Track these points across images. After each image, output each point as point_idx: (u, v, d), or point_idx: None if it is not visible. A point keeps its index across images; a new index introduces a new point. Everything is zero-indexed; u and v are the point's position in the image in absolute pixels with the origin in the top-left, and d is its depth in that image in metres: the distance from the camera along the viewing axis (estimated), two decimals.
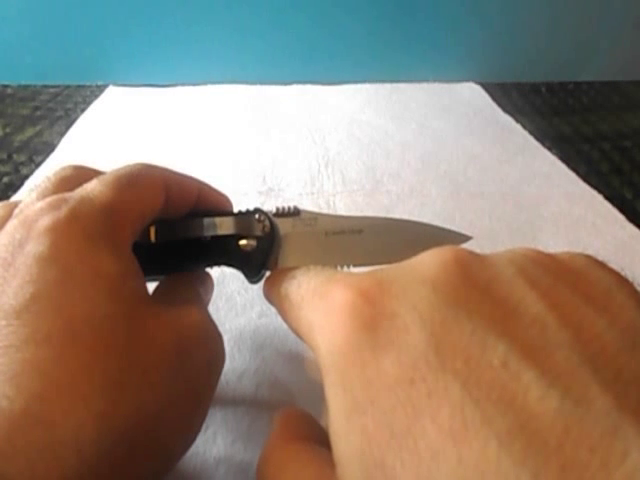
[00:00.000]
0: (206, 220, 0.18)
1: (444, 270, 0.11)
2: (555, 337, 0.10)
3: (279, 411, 0.15)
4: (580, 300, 0.10)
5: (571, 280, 0.11)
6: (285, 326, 0.25)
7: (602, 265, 0.12)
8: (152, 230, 0.18)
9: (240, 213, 0.20)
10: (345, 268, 0.18)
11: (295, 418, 0.15)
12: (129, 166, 0.17)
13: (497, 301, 0.10)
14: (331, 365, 0.11)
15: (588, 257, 0.12)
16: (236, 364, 0.23)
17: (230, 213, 0.20)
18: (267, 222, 0.19)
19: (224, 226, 0.18)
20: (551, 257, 0.12)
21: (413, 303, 0.10)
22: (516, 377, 0.09)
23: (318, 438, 0.14)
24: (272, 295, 0.17)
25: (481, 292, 0.11)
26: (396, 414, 0.09)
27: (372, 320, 0.11)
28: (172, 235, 0.18)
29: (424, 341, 0.10)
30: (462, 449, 0.08)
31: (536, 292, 0.10)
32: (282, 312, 0.16)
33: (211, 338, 0.16)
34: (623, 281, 0.11)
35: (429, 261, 0.12)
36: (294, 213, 0.19)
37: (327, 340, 0.11)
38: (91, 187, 0.15)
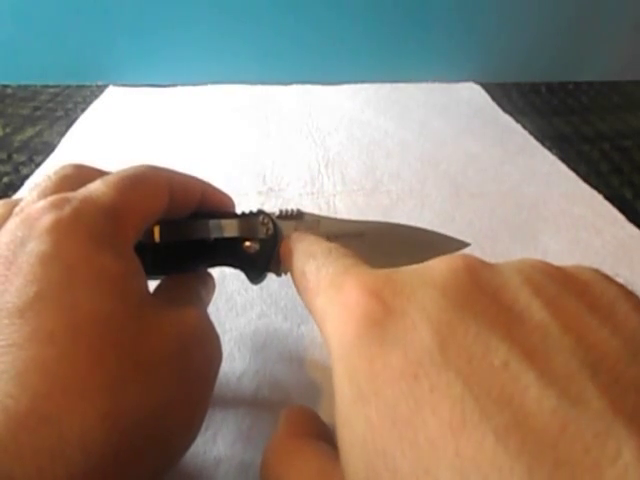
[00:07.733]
0: (211, 222, 0.19)
1: (454, 276, 0.12)
2: (557, 342, 0.10)
3: (285, 408, 0.16)
4: (584, 309, 0.11)
5: (577, 290, 0.11)
6: (285, 326, 0.25)
7: (609, 278, 0.12)
8: (156, 230, 0.18)
9: (244, 215, 0.20)
10: None
11: (300, 415, 0.15)
12: (133, 168, 0.17)
13: (503, 306, 0.11)
14: (340, 356, 0.11)
15: (596, 270, 0.12)
16: (236, 364, 0.23)
17: (233, 214, 0.20)
18: (270, 225, 0.19)
19: (228, 228, 0.19)
20: (558, 268, 0.13)
21: (422, 304, 0.11)
22: (516, 377, 0.09)
23: (322, 434, 0.14)
24: (289, 263, 0.17)
25: (488, 297, 0.11)
26: (399, 406, 0.09)
27: (382, 318, 0.11)
28: (176, 236, 0.18)
29: (430, 339, 0.10)
30: (460, 441, 0.08)
31: (541, 300, 0.11)
32: (298, 288, 0.16)
33: (209, 339, 0.17)
34: (629, 294, 0.12)
35: (441, 267, 0.12)
36: (297, 216, 0.20)
37: (339, 332, 0.12)
38: (94, 187, 0.15)
